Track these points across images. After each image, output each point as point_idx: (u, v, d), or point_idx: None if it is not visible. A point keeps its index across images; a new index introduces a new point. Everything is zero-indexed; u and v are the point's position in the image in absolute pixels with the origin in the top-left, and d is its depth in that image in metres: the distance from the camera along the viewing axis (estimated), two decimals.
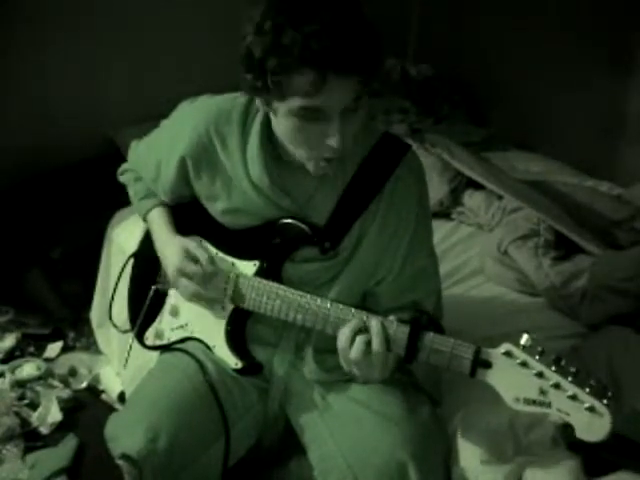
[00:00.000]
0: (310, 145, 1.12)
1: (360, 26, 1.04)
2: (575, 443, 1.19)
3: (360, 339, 1.14)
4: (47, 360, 2.15)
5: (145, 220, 1.44)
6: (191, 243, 1.32)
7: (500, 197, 2.12)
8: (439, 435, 1.30)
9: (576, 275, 1.78)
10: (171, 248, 1.33)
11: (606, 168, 2.45)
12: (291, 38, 1.01)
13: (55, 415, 1.93)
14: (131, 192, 1.47)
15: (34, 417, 1.91)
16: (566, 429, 1.08)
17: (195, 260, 1.29)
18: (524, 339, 1.06)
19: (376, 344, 1.13)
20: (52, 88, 2.41)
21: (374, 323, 1.14)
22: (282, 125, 1.13)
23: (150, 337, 1.43)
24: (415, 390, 1.34)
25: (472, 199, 2.16)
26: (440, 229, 2.07)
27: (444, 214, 2.18)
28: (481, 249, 1.99)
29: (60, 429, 1.90)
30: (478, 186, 2.19)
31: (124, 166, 1.51)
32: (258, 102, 1.16)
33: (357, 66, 1.03)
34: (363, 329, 1.15)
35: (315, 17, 1.00)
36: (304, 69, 1.02)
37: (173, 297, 1.40)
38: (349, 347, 1.15)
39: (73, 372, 2.11)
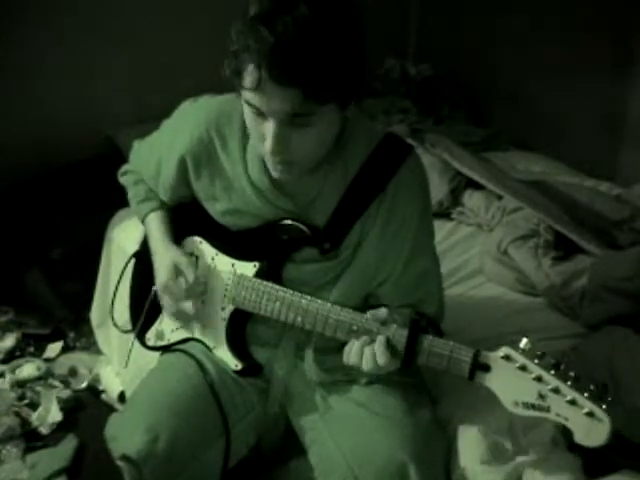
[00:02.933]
0: (259, 142, 1.12)
1: (324, 45, 1.00)
2: (575, 443, 1.19)
3: (367, 352, 1.15)
4: (47, 360, 2.15)
5: (143, 223, 1.44)
6: (183, 259, 1.31)
7: (500, 197, 2.12)
8: (439, 436, 1.30)
9: (576, 275, 1.78)
10: (163, 259, 1.33)
11: (606, 168, 2.45)
12: (246, 32, 1.02)
13: (55, 415, 1.93)
14: (130, 194, 1.47)
15: (34, 417, 1.92)
16: (566, 429, 1.08)
17: (183, 281, 1.30)
18: (523, 343, 1.05)
19: (380, 358, 1.14)
20: (52, 88, 2.41)
21: (380, 339, 1.15)
22: (244, 113, 1.14)
23: (151, 338, 1.44)
24: (416, 391, 1.34)
25: (472, 199, 2.16)
26: (440, 229, 2.07)
27: (444, 214, 2.18)
28: (481, 249, 1.99)
29: (60, 429, 1.91)
30: (478, 186, 2.19)
31: (125, 167, 1.50)
32: None
33: (295, 80, 1.00)
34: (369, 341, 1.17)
35: (278, 21, 0.99)
36: (247, 64, 1.03)
37: None
38: (360, 361, 1.16)
39: (73, 372, 2.11)
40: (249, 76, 1.03)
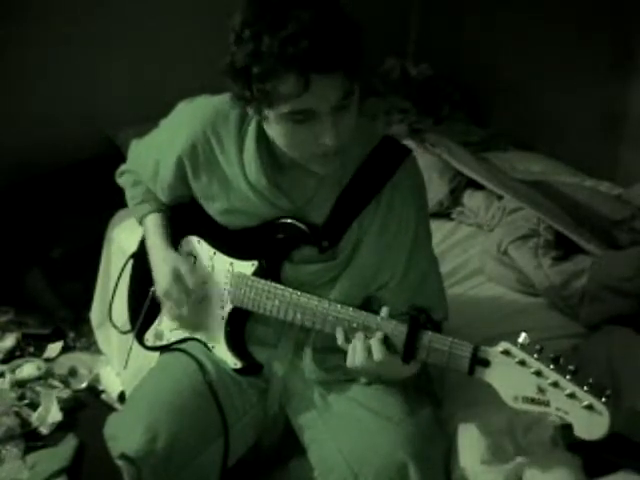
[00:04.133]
0: (305, 146, 1.11)
1: (338, 22, 1.03)
2: (575, 443, 1.19)
3: (359, 345, 1.15)
4: (47, 360, 2.15)
5: (141, 225, 1.44)
6: (183, 265, 1.31)
7: (500, 197, 2.12)
8: (439, 435, 1.30)
9: (576, 275, 1.78)
10: (162, 266, 1.33)
11: (606, 168, 2.45)
12: (268, 45, 1.00)
13: (55, 415, 1.93)
14: (128, 195, 1.47)
15: (34, 417, 1.92)
16: (565, 429, 1.08)
17: (183, 289, 1.30)
18: (522, 337, 1.06)
19: (376, 353, 1.14)
20: (52, 88, 2.42)
21: (377, 335, 1.15)
22: (275, 131, 1.13)
23: (150, 338, 1.44)
24: (416, 391, 1.33)
25: (472, 199, 2.16)
26: (440, 229, 2.07)
27: (444, 214, 2.18)
28: (481, 249, 1.99)
29: (60, 429, 1.91)
30: (478, 186, 2.19)
31: (122, 167, 1.50)
32: (249, 110, 1.15)
33: (339, 63, 1.02)
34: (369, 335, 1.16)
35: (291, 20, 0.99)
36: (286, 74, 1.01)
37: None
38: (366, 356, 1.15)
39: (73, 372, 2.11)
40: (292, 83, 1.01)
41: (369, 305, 1.31)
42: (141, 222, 1.43)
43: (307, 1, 1.02)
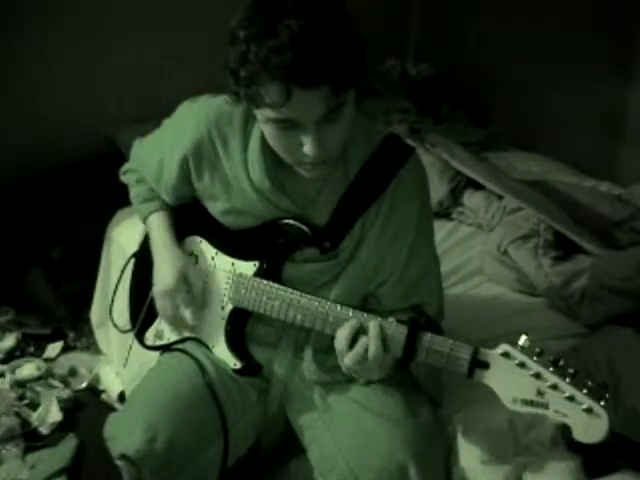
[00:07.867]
0: (289, 151, 1.11)
1: (331, 35, 1.00)
2: (575, 443, 1.18)
3: (359, 344, 1.14)
4: (47, 360, 2.15)
5: (145, 223, 1.44)
6: (190, 267, 1.33)
7: (500, 197, 2.12)
8: (439, 436, 1.30)
9: (576, 275, 1.78)
10: (168, 265, 1.33)
11: (606, 168, 2.45)
12: (255, 52, 1.00)
13: (55, 415, 1.93)
14: (132, 194, 1.47)
15: (34, 417, 1.92)
16: (566, 429, 1.08)
17: (187, 290, 1.31)
18: (522, 340, 1.05)
19: (373, 347, 1.13)
20: (52, 88, 2.42)
21: (372, 325, 1.14)
22: (264, 131, 1.13)
23: (150, 337, 1.44)
24: (415, 391, 1.34)
25: (472, 199, 2.16)
26: (440, 229, 2.07)
27: (444, 214, 2.18)
28: (481, 249, 1.99)
29: (60, 429, 1.91)
30: (478, 186, 2.19)
31: (126, 166, 1.50)
32: (244, 107, 1.15)
33: (323, 77, 1.00)
34: (361, 331, 1.15)
35: (282, 29, 0.98)
36: (269, 83, 1.01)
37: None
38: (347, 349, 1.15)
39: (73, 372, 2.11)
40: (274, 93, 1.01)
41: (366, 302, 1.32)
42: (145, 220, 1.43)
43: (304, 9, 0.99)
